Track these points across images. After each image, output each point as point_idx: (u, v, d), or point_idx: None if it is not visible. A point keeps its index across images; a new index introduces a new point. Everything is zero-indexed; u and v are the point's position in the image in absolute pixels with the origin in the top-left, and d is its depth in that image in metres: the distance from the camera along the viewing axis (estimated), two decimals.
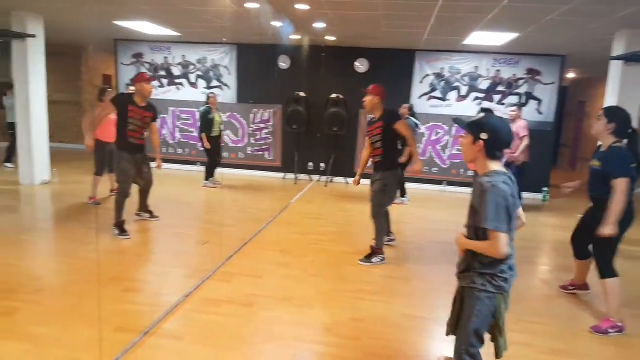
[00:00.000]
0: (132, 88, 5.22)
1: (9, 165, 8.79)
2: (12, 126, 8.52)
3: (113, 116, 6.16)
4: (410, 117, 7.00)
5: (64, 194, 7.02)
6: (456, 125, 2.75)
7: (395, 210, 4.79)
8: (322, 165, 9.32)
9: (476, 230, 2.18)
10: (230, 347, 2.96)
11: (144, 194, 5.56)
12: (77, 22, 8.02)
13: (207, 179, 8.03)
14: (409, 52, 8.67)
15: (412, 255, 5.03)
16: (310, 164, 9.41)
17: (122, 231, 5.04)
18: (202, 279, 3.98)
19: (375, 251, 4.66)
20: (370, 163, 4.81)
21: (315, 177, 9.38)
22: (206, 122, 7.72)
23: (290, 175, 9.27)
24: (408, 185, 7.64)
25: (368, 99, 4.53)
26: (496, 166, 2.15)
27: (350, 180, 9.18)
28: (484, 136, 2.12)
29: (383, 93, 4.54)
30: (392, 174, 4.59)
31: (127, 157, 4.98)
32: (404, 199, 7.37)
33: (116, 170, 5.11)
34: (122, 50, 9.83)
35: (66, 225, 5.57)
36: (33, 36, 7.22)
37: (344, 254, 4.91)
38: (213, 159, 8.01)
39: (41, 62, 7.49)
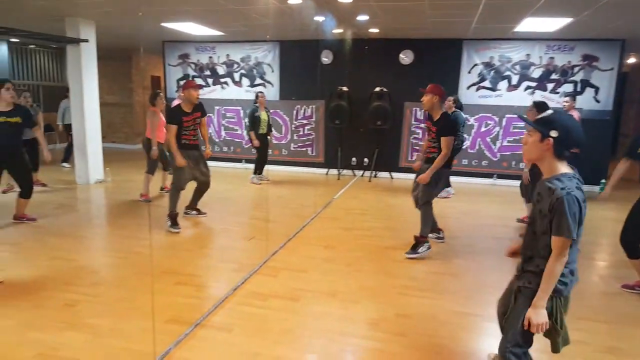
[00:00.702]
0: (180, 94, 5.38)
1: (65, 165, 9.25)
2: (69, 127, 8.97)
3: (162, 118, 6.44)
4: (457, 110, 6.80)
5: (116, 191, 7.32)
6: (523, 121, 2.60)
7: (442, 205, 4.68)
8: (366, 160, 9.24)
9: (536, 232, 2.08)
10: (278, 340, 2.98)
11: (199, 193, 5.69)
12: (127, 26, 8.32)
13: (255, 173, 8.18)
14: (456, 41, 8.44)
15: (460, 251, 4.90)
16: (354, 159, 9.35)
17: (174, 223, 5.22)
18: (249, 273, 4.04)
19: (420, 240, 4.57)
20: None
21: (359, 172, 9.32)
22: (253, 120, 7.85)
23: (334, 171, 9.25)
24: (456, 179, 7.46)
25: (426, 99, 4.43)
26: (564, 167, 2.02)
27: (395, 174, 9.06)
28: (553, 134, 1.97)
29: (442, 92, 4.44)
30: (444, 170, 4.51)
31: (183, 153, 5.14)
32: (449, 189, 7.19)
33: (172, 166, 5.26)
34: (170, 52, 10.12)
35: (119, 221, 5.80)
36: (86, 41, 7.55)
37: (388, 249, 4.85)
38: (260, 156, 8.13)
39: (94, 65, 7.82)
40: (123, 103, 12.63)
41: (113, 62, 12.41)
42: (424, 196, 4.54)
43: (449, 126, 4.43)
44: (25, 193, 5.26)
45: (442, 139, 4.37)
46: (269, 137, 8.25)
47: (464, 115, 6.96)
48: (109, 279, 3.99)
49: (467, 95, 8.48)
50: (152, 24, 7.84)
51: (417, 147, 8.76)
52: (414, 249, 4.57)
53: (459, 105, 6.95)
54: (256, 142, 7.86)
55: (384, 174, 9.15)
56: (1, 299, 3.48)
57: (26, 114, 5.12)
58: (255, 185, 8.07)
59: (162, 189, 7.15)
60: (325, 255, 4.60)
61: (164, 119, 6.50)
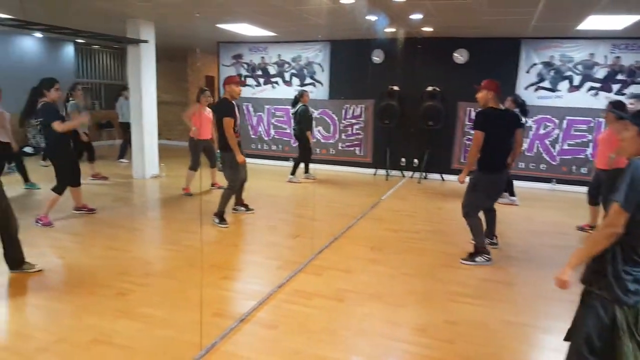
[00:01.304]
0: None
1: (123, 160, 9.67)
2: (123, 125, 9.40)
3: (208, 115, 6.59)
4: (515, 110, 6.51)
5: (170, 187, 7.57)
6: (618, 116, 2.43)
7: (499, 210, 4.49)
8: (416, 161, 9.06)
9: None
10: (322, 339, 2.96)
11: (241, 188, 5.80)
12: (184, 28, 8.58)
13: (292, 174, 8.22)
14: (514, 40, 8.11)
15: (515, 258, 4.69)
16: (403, 159, 9.19)
17: (222, 220, 5.34)
18: (294, 271, 4.04)
19: (479, 250, 4.41)
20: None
21: (408, 174, 9.15)
22: (307, 119, 7.92)
23: (382, 171, 9.13)
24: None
25: (481, 95, 4.28)
26: None
27: (446, 176, 8.83)
28: None
29: (497, 88, 4.27)
30: (483, 175, 4.33)
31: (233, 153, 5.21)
32: (514, 198, 6.90)
33: (228, 168, 5.34)
34: (224, 52, 10.36)
35: (172, 215, 5.99)
36: (145, 41, 7.85)
37: (438, 253, 4.72)
38: (303, 154, 8.22)
39: (152, 65, 8.12)
40: (178, 102, 13.05)
41: (170, 62, 12.86)
42: (465, 206, 4.40)
43: (476, 121, 4.28)
44: (76, 181, 5.49)
45: (475, 132, 4.22)
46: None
47: (524, 118, 6.64)
48: (161, 270, 4.11)
49: (525, 95, 8.09)
50: (208, 25, 8.05)
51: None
52: (472, 257, 4.42)
53: (520, 105, 6.60)
54: (311, 138, 7.93)
55: (435, 176, 8.94)
56: (61, 285, 3.67)
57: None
58: (299, 183, 8.10)
59: (212, 185, 7.33)
60: (372, 257, 4.54)
61: (209, 115, 6.68)
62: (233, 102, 5.26)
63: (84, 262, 4.19)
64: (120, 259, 4.29)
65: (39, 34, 10.37)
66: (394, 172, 9.14)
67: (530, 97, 8.13)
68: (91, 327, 3.01)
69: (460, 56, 8.50)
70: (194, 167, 6.76)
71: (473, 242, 4.50)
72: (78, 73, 12.07)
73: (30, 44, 10.70)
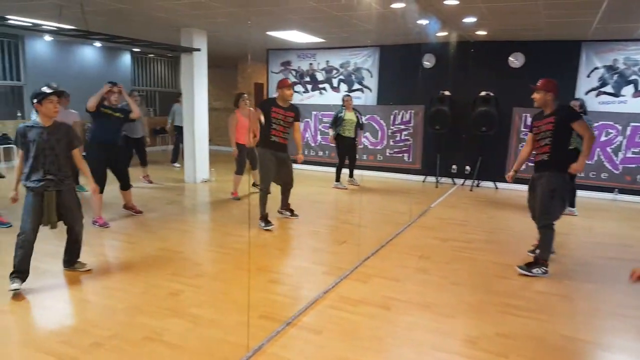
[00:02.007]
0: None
1: (176, 165, 10.00)
2: (177, 130, 9.72)
3: (245, 119, 6.78)
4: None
5: (219, 191, 7.73)
6: None
7: (558, 221, 4.27)
8: (468, 168, 8.82)
9: None
10: (367, 346, 2.90)
11: (285, 193, 5.84)
12: (235, 36, 8.80)
13: (337, 180, 8.23)
14: (573, 43, 7.75)
15: (574, 271, 4.43)
16: (454, 166, 8.96)
17: (267, 222, 5.41)
18: (340, 277, 4.01)
19: (539, 262, 4.21)
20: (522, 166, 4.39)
21: (459, 181, 8.91)
22: (334, 120, 7.99)
23: (431, 178, 8.94)
24: None
25: (539, 96, 4.11)
26: None
27: (500, 184, 8.53)
28: None
29: (556, 88, 4.09)
30: (559, 176, 4.10)
31: (270, 156, 5.31)
32: (573, 209, 6.57)
33: (259, 169, 5.45)
34: (273, 59, 10.53)
35: (220, 218, 6.11)
36: (198, 50, 8.11)
37: (491, 263, 4.54)
38: (341, 159, 8.18)
39: (204, 73, 8.37)
40: (228, 108, 13.34)
41: (220, 70, 13.22)
42: (546, 217, 4.15)
43: (574, 111, 4.09)
44: (125, 185, 5.74)
45: (576, 124, 4.00)
46: (356, 141, 8.23)
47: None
48: (210, 272, 4.19)
49: (586, 101, 7.72)
50: (259, 33, 8.21)
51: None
52: (529, 266, 4.22)
53: (583, 111, 6.28)
54: (332, 140, 7.98)
55: (488, 184, 8.66)
56: (116, 284, 3.81)
57: (126, 112, 5.56)
58: (345, 189, 8.08)
59: (254, 184, 7.47)
60: (420, 265, 4.43)
61: (247, 120, 6.83)
62: (280, 103, 5.35)
63: (138, 262, 4.33)
64: (172, 259, 4.41)
65: (98, 44, 10.95)
66: (444, 179, 8.93)
67: (592, 102, 7.73)
68: (143, 324, 3.10)
69: (515, 60, 8.21)
70: (240, 171, 6.96)
71: (533, 253, 4.29)
72: (134, 81, 12.64)
73: (90, 53, 11.32)
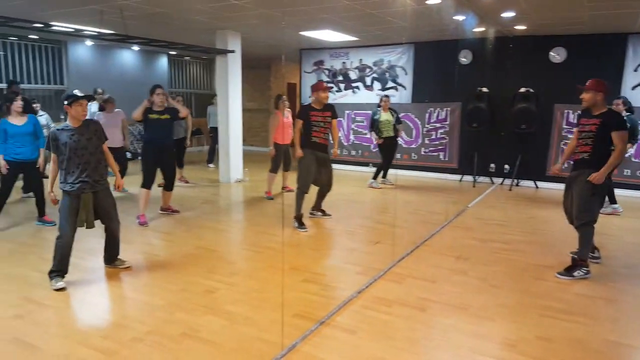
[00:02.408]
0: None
1: (211, 165, 10.18)
2: (212, 131, 9.89)
3: (287, 120, 6.84)
4: (629, 114, 5.92)
5: (253, 190, 7.81)
6: None
7: (602, 221, 4.09)
8: (507, 166, 8.58)
9: None
10: (402, 347, 2.86)
11: (322, 194, 5.83)
12: (269, 37, 8.87)
13: (373, 178, 8.20)
14: (618, 36, 7.40)
15: (618, 273, 4.24)
16: (492, 165, 8.74)
17: (301, 224, 5.42)
18: (374, 277, 3.97)
19: (578, 263, 4.05)
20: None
21: (498, 180, 8.68)
22: (371, 122, 7.94)
23: (468, 177, 8.75)
24: (618, 192, 6.52)
25: (588, 96, 3.96)
26: None
27: (540, 184, 8.27)
28: None
29: (606, 88, 3.94)
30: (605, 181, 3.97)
31: (310, 155, 5.32)
32: (616, 206, 6.30)
33: (299, 168, 5.46)
34: (306, 59, 10.55)
35: (254, 217, 6.18)
36: (232, 51, 8.22)
37: (531, 265, 4.39)
38: (383, 159, 8.14)
39: (238, 74, 8.48)
40: (262, 109, 13.51)
41: (254, 71, 13.37)
42: (584, 215, 3.99)
43: (621, 120, 3.93)
44: (170, 186, 5.87)
45: (615, 134, 3.85)
46: (397, 139, 8.17)
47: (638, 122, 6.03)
48: (244, 270, 4.24)
49: (632, 97, 7.36)
50: (292, 33, 8.25)
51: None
52: (569, 271, 4.06)
53: (628, 109, 6.02)
54: (378, 140, 7.89)
55: (528, 183, 8.40)
56: (155, 281, 3.90)
57: (173, 112, 5.69)
58: (378, 189, 8.03)
59: (283, 188, 7.54)
60: (457, 267, 4.34)
61: (286, 120, 6.95)
62: (316, 105, 5.39)
63: (175, 259, 4.43)
64: (208, 257, 4.49)
65: (136, 47, 11.27)
66: (482, 179, 8.72)
67: (638, 98, 7.38)
68: (181, 321, 3.16)
69: (557, 55, 7.93)
70: (274, 170, 7.02)
71: (574, 254, 4.14)
72: (171, 83, 12.95)
73: (129, 56, 11.66)
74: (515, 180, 8.39)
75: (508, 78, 8.19)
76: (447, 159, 9.14)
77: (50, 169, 3.78)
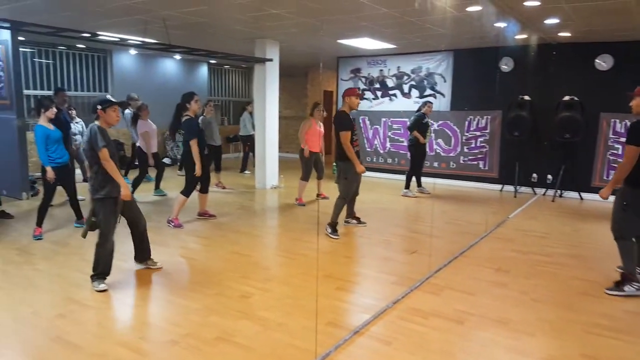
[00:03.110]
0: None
1: (246, 172, 10.31)
2: (244, 138, 10.09)
3: (320, 129, 6.86)
4: None
5: (287, 197, 7.84)
6: None
7: None
8: (549, 177, 8.28)
9: None
10: None
11: (353, 201, 5.80)
12: (307, 45, 8.94)
13: (406, 187, 8.10)
14: None
15: None
16: (534, 175, 8.46)
17: (334, 231, 5.40)
18: (410, 287, 3.89)
19: (627, 278, 3.85)
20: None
21: (540, 191, 8.40)
22: (418, 124, 7.78)
23: (509, 187, 8.49)
24: None
25: (636, 102, 3.81)
26: None
27: (586, 195, 7.93)
28: None
29: None
30: (631, 191, 3.78)
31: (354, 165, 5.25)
32: None
33: (346, 178, 5.36)
34: (343, 67, 10.56)
35: (289, 224, 6.19)
36: (270, 60, 8.32)
37: (575, 280, 4.21)
38: (414, 166, 8.04)
39: (276, 82, 8.58)
40: (298, 116, 13.60)
41: (291, 78, 13.50)
42: (615, 228, 3.88)
43: (632, 132, 3.73)
44: (204, 189, 5.95)
45: (627, 146, 3.71)
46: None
47: None
48: (279, 276, 4.24)
49: None
50: (330, 41, 8.28)
51: (615, 165, 7.55)
52: (618, 286, 3.87)
53: None
54: (422, 139, 7.77)
55: (572, 194, 8.08)
56: (191, 284, 3.96)
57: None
58: (414, 197, 7.93)
59: (318, 195, 7.55)
60: (496, 279, 4.20)
61: (320, 129, 6.96)
62: (349, 113, 5.35)
63: (211, 263, 4.48)
64: (243, 262, 4.52)
65: (178, 56, 11.59)
66: (523, 189, 8.45)
67: None
68: (216, 324, 3.19)
69: (603, 62, 7.63)
70: (306, 177, 7.07)
71: (620, 269, 3.94)
72: (210, 91, 13.24)
73: (171, 65, 12.00)
74: (559, 191, 8.08)
75: (551, 86, 7.94)
76: (487, 168, 8.91)
77: (109, 166, 3.65)
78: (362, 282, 4.21)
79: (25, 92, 8.07)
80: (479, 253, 4.98)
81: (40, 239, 5.11)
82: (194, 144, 5.45)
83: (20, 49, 7.41)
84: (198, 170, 5.47)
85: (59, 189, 5.35)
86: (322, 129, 7.04)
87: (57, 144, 5.16)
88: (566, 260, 4.77)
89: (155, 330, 3.16)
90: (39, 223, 5.18)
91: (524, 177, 8.40)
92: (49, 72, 9.55)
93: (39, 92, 9.25)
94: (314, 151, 6.98)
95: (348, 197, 5.41)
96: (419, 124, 7.78)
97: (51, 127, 5.11)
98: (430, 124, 7.94)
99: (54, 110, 5.12)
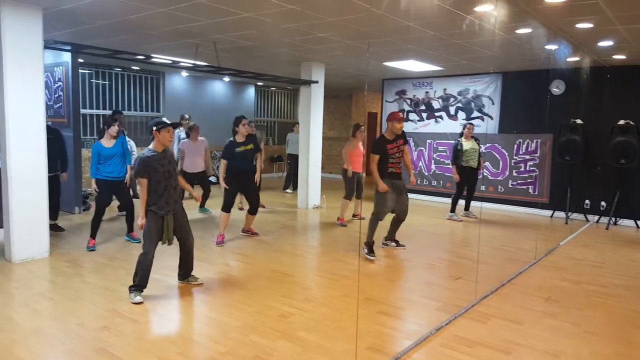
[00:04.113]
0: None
1: (288, 191, 10.40)
2: (291, 157, 10.19)
3: (360, 148, 6.96)
4: None
5: (329, 217, 7.82)
6: None
7: None
8: (603, 203, 7.87)
9: None
10: None
11: (397, 222, 5.70)
12: (352, 67, 9.02)
13: (452, 210, 7.92)
14: None
15: None
16: (587, 201, 8.06)
17: (370, 251, 5.35)
18: (455, 314, 3.76)
19: None
20: None
21: (593, 218, 7.99)
22: (454, 153, 7.69)
23: (560, 213, 8.12)
24: None
25: None
26: None
27: None
28: None
29: None
30: None
31: (387, 182, 5.28)
32: None
33: (376, 195, 5.39)
34: (388, 89, 10.56)
35: (330, 244, 6.16)
36: (316, 82, 8.44)
37: (631, 312, 3.95)
38: (459, 190, 7.85)
39: (320, 104, 8.68)
40: (341, 137, 13.67)
41: (336, 100, 13.62)
42: None
43: None
44: (253, 210, 6.06)
45: None
46: (478, 171, 7.86)
47: None
48: (319, 297, 4.20)
49: None
50: (375, 63, 8.32)
51: None
52: None
53: None
54: (456, 177, 7.65)
55: (628, 222, 7.63)
56: (232, 302, 3.98)
57: (255, 142, 5.93)
58: (459, 221, 7.74)
59: (354, 215, 7.56)
60: (547, 309, 3.99)
61: (361, 149, 7.03)
62: (389, 137, 5.37)
63: (253, 281, 4.51)
64: (284, 282, 4.52)
65: (227, 79, 11.95)
66: (575, 215, 8.06)
67: None
68: (255, 343, 3.18)
69: None
70: (348, 197, 7.11)
71: None
72: (256, 112, 13.54)
73: (220, 87, 12.38)
74: (613, 219, 7.66)
75: (605, 109, 7.61)
76: (536, 193, 8.58)
77: (140, 191, 3.95)
78: (405, 307, 4.10)
79: (82, 111, 8.51)
80: (528, 281, 4.77)
81: (93, 250, 5.35)
82: (222, 164, 5.78)
83: (79, 70, 7.83)
84: (222, 184, 5.80)
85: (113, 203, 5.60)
86: (361, 149, 7.10)
87: (110, 160, 5.42)
88: (622, 291, 4.49)
89: (196, 346, 3.18)
90: (93, 235, 5.45)
91: (576, 203, 8.02)
92: (105, 93, 10.07)
93: (94, 112, 9.78)
94: (356, 171, 7.02)
95: (380, 215, 5.35)
96: (455, 153, 7.66)
97: (109, 144, 5.43)
98: (479, 146, 7.73)
99: (116, 128, 5.44)
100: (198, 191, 7.96)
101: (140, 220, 3.91)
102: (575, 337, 3.45)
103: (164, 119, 4.04)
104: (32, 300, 3.88)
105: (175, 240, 4.10)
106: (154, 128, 3.93)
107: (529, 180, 8.65)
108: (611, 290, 4.53)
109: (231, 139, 5.80)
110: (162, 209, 3.90)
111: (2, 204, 4.98)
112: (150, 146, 3.98)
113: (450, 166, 9.19)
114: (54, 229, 6.07)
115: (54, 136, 5.63)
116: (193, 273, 4.37)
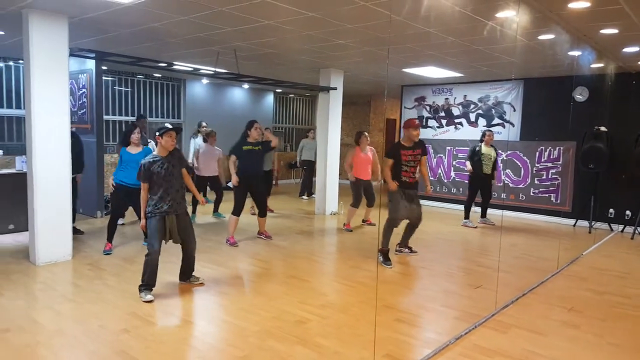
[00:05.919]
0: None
1: (305, 197, 10.42)
2: (304, 163, 10.32)
3: (365, 155, 7.02)
4: None
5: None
6: None
7: None
8: (628, 212, 7.68)
9: None
10: None
11: (411, 229, 5.68)
12: (371, 74, 9.01)
13: (466, 217, 7.88)
14: None
15: None
16: (611, 210, 7.88)
17: (386, 259, 5.33)
18: (474, 324, 3.70)
19: None
20: None
21: (618, 227, 7.79)
22: (472, 153, 7.73)
23: (583, 222, 7.95)
24: None
25: None
26: None
27: None
28: None
29: None
30: None
31: (399, 191, 5.29)
32: None
33: (389, 203, 5.39)
34: (407, 95, 10.52)
35: (347, 250, 6.14)
36: (335, 89, 8.47)
37: None
38: (471, 196, 7.85)
39: (339, 110, 8.70)
40: None
41: (354, 106, 13.61)
42: None
43: None
44: (262, 213, 6.20)
45: None
46: (493, 180, 7.79)
47: None
48: (336, 304, 4.18)
49: None
50: (395, 70, 8.30)
51: None
52: None
53: None
54: (469, 168, 7.72)
55: None
56: (250, 307, 4.00)
57: (265, 144, 6.02)
58: (474, 228, 7.68)
59: (363, 221, 7.60)
60: (568, 319, 3.90)
61: (367, 156, 7.10)
62: (406, 143, 5.36)
63: (270, 286, 4.52)
64: (301, 287, 4.52)
65: (246, 86, 12.07)
66: (599, 224, 7.88)
67: None
68: (272, 349, 3.18)
69: None
70: (355, 204, 7.18)
71: None
72: (274, 118, 13.62)
73: (239, 94, 12.50)
74: (639, 228, 7.46)
75: (631, 117, 7.46)
76: (559, 202, 8.42)
77: (142, 196, 4.10)
78: (423, 315, 4.06)
79: (105, 117, 8.68)
80: (550, 291, 4.67)
81: (109, 253, 5.42)
82: (231, 160, 5.87)
83: (103, 77, 8.00)
84: (234, 179, 5.81)
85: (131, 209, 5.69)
86: (370, 156, 7.12)
87: (128, 165, 5.39)
88: None
89: (214, 351, 3.20)
90: (109, 239, 5.53)
91: (600, 212, 7.84)
92: (127, 100, 10.26)
93: (117, 118, 9.97)
94: (362, 178, 7.05)
95: (394, 222, 5.33)
96: (472, 153, 7.72)
97: (133, 150, 5.49)
98: (497, 154, 7.68)
99: (137, 135, 5.51)
100: (211, 197, 8.13)
101: (141, 222, 4.12)
102: (597, 348, 3.37)
103: (167, 125, 4.22)
104: (55, 302, 3.96)
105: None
106: (157, 134, 4.13)
107: (551, 189, 8.49)
108: (635, 301, 4.41)
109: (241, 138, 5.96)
110: (162, 210, 4.03)
111: (27, 208, 5.09)
112: (155, 151, 4.20)
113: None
114: (73, 231, 6.18)
115: (73, 139, 5.71)
116: (194, 273, 4.49)
